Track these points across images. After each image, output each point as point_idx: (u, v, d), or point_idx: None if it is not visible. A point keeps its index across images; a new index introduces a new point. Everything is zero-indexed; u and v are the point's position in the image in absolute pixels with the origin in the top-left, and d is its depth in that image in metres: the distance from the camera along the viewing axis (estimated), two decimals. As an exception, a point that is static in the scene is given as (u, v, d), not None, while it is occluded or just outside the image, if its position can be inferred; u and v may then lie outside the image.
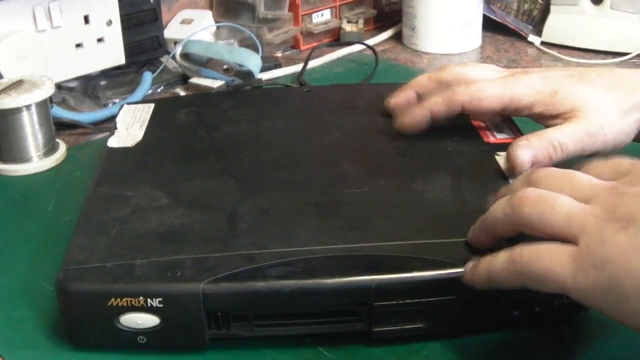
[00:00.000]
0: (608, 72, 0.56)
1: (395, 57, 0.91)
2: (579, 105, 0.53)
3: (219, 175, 0.52)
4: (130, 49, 0.81)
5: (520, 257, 0.38)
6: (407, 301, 0.42)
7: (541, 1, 0.94)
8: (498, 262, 0.39)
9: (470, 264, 0.41)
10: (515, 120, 0.60)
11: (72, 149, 0.69)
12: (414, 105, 0.58)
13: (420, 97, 0.59)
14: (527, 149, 0.51)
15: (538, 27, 0.94)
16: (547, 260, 0.37)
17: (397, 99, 0.60)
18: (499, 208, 0.41)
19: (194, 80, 0.81)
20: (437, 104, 0.56)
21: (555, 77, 0.55)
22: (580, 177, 0.40)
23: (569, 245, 0.37)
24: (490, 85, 0.55)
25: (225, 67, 0.81)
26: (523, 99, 0.54)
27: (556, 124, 0.54)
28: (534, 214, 0.38)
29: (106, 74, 0.81)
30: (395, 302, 0.42)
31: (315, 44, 0.93)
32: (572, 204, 0.38)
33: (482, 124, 0.59)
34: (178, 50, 0.82)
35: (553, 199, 0.38)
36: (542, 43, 0.92)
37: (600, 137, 0.53)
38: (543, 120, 0.55)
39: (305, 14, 0.92)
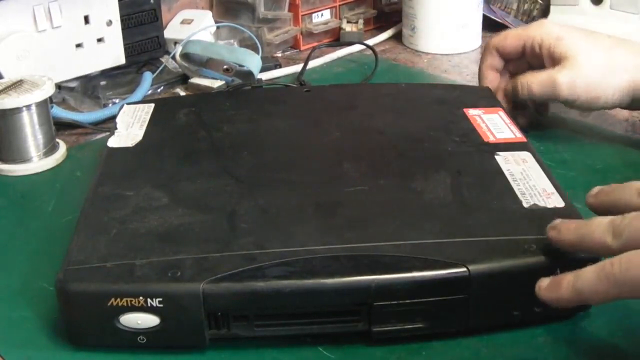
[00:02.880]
0: (622, 40, 0.63)
1: (395, 57, 0.91)
2: (570, 54, 0.61)
3: (219, 175, 0.52)
4: (130, 49, 0.81)
5: (612, 269, 0.38)
6: (407, 301, 0.42)
7: (541, 1, 0.94)
8: (587, 277, 0.39)
9: (546, 282, 0.42)
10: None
11: (72, 149, 0.69)
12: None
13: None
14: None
15: (538, 27, 0.94)
16: None
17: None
18: (599, 232, 0.40)
19: (194, 80, 0.81)
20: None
21: (570, 29, 0.63)
22: None
23: None
24: (514, 29, 0.68)
25: (225, 67, 0.81)
26: (537, 38, 0.64)
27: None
28: (631, 236, 0.39)
29: (106, 74, 0.81)
30: (395, 302, 0.42)
31: (315, 44, 0.93)
32: None
33: (482, 124, 0.59)
34: (178, 50, 0.82)
35: None
36: (542, 43, 0.91)
37: (567, 86, 0.61)
38: (548, 63, 0.63)
39: (305, 14, 0.92)
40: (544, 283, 0.42)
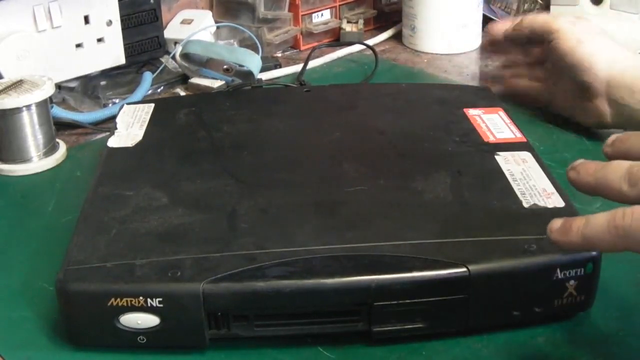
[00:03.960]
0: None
1: (395, 57, 0.91)
2: (554, 27, 0.67)
3: (219, 175, 0.52)
4: (130, 49, 0.81)
5: (623, 221, 0.37)
6: (407, 301, 0.42)
7: (541, 1, 0.94)
8: (597, 224, 0.39)
9: (558, 223, 0.40)
10: (515, 121, 0.60)
11: (72, 149, 0.69)
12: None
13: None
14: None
15: (538, 27, 0.94)
16: None
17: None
18: (615, 179, 0.40)
19: (194, 80, 0.81)
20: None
21: (567, 14, 0.69)
22: None
23: None
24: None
25: (225, 67, 0.81)
26: (540, 16, 0.70)
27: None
28: None
29: (106, 74, 0.81)
30: (395, 302, 0.42)
31: (315, 44, 0.93)
32: None
33: (482, 124, 0.59)
34: (178, 50, 0.82)
35: None
36: (542, 43, 0.91)
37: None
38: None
39: (305, 14, 0.92)
40: (555, 224, 0.41)
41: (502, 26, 0.73)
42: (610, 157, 0.43)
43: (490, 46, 0.76)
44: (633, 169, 0.39)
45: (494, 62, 0.84)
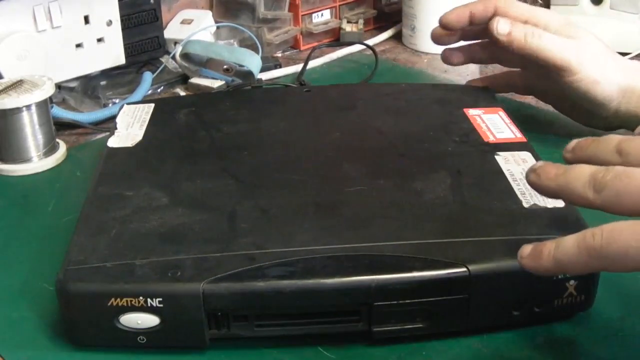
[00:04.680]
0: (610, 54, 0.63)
1: (395, 57, 0.91)
2: (563, 64, 0.60)
3: (219, 175, 0.52)
4: (130, 49, 0.81)
5: (594, 241, 0.37)
6: (407, 301, 0.42)
7: (541, 1, 0.94)
8: (568, 247, 0.38)
9: (527, 249, 0.40)
10: (515, 121, 0.60)
11: (72, 149, 0.69)
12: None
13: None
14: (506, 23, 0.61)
15: (538, 27, 0.94)
16: (624, 240, 0.36)
17: (451, 15, 0.66)
18: (579, 185, 0.39)
19: (194, 80, 0.81)
20: (476, 4, 0.64)
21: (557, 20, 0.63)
22: None
23: None
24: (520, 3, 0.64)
25: (225, 67, 0.81)
26: (542, 18, 0.62)
27: None
28: (612, 195, 0.38)
29: (106, 74, 0.81)
30: (395, 302, 0.42)
31: (315, 44, 0.93)
32: None
33: (482, 124, 0.59)
34: (178, 50, 0.82)
35: (628, 177, 0.38)
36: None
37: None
38: None
39: (305, 14, 0.92)
40: (525, 250, 0.40)
41: (460, 17, 0.65)
42: (570, 163, 0.42)
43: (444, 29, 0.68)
44: (597, 175, 0.39)
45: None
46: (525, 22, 0.62)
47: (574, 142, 0.43)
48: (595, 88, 0.60)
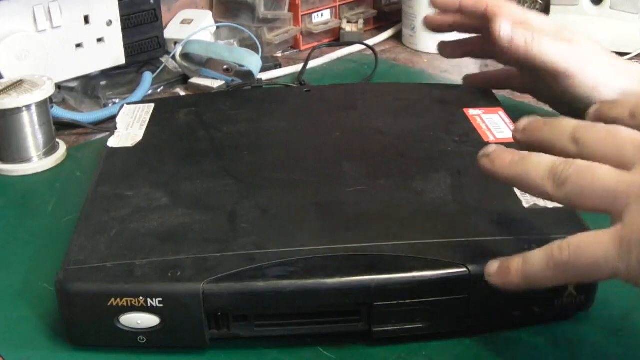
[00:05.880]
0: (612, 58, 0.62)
1: (395, 57, 0.91)
2: (561, 70, 0.60)
3: (219, 175, 0.52)
4: (130, 49, 0.81)
5: (561, 255, 0.37)
6: (407, 301, 0.42)
7: (541, 1, 0.94)
8: (536, 262, 0.38)
9: (494, 265, 0.40)
10: (515, 120, 0.60)
11: (72, 149, 0.69)
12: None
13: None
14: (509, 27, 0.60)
15: (538, 27, 0.94)
16: (591, 252, 0.36)
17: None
18: (537, 177, 0.38)
19: (194, 80, 0.81)
20: None
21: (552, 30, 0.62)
22: (623, 137, 0.38)
23: (612, 227, 0.36)
24: (513, 4, 0.63)
25: (225, 67, 0.81)
26: (537, 22, 0.61)
27: None
28: (574, 192, 0.37)
29: (106, 74, 0.81)
30: (395, 302, 0.42)
31: (315, 44, 0.93)
32: (612, 176, 0.36)
33: (482, 124, 0.59)
34: (178, 50, 0.82)
35: (592, 173, 0.37)
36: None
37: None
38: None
39: (305, 14, 0.92)
40: (492, 268, 0.40)
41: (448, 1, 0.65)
42: (520, 144, 0.41)
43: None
44: (557, 167, 0.37)
45: (493, 62, 0.84)
46: (522, 22, 0.61)
47: (524, 121, 0.41)
48: (593, 93, 0.60)
